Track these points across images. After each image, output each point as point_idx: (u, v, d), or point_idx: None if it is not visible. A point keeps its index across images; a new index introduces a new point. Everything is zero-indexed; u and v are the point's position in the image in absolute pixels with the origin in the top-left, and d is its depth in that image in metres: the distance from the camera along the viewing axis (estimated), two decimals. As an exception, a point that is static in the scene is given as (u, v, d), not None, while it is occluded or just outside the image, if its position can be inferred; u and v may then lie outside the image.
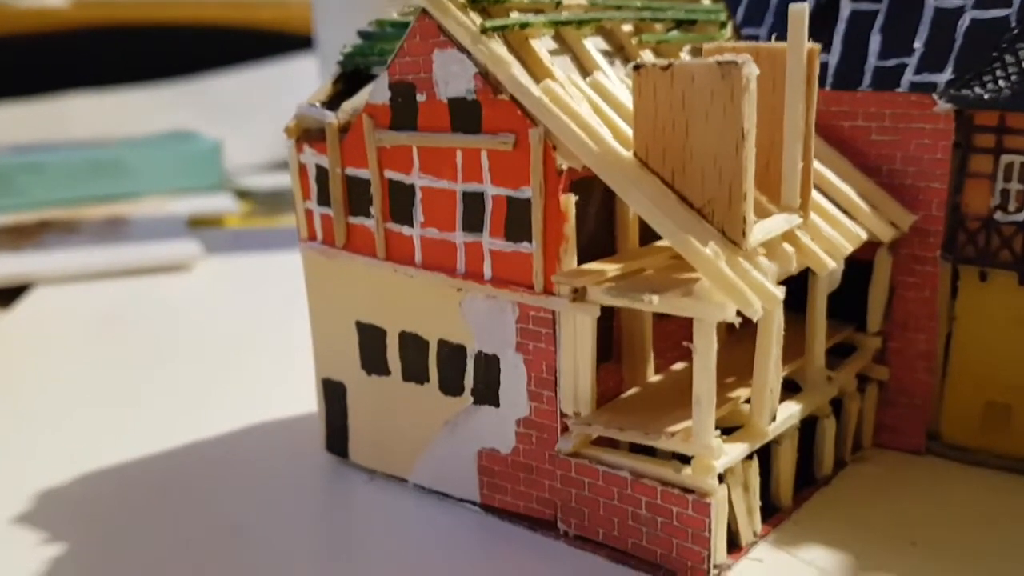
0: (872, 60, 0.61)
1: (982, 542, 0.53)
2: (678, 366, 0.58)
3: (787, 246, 0.51)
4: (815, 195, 0.56)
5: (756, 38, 0.65)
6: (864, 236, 0.57)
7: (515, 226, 0.52)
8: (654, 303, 0.46)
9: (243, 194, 1.67)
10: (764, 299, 0.47)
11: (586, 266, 0.51)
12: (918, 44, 0.59)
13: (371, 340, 0.60)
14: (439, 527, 0.56)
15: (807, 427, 0.59)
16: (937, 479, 0.59)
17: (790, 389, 0.57)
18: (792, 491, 0.56)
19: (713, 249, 0.46)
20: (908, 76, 0.59)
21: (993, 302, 0.59)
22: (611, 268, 0.51)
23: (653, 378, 0.56)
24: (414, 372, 0.58)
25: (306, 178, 0.60)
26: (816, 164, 0.59)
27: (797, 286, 0.58)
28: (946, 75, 0.58)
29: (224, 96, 2.25)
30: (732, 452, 0.50)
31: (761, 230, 0.49)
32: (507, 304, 0.53)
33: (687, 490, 0.49)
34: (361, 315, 0.60)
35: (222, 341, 0.91)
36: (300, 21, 2.00)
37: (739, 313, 0.45)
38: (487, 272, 0.53)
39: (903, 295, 0.61)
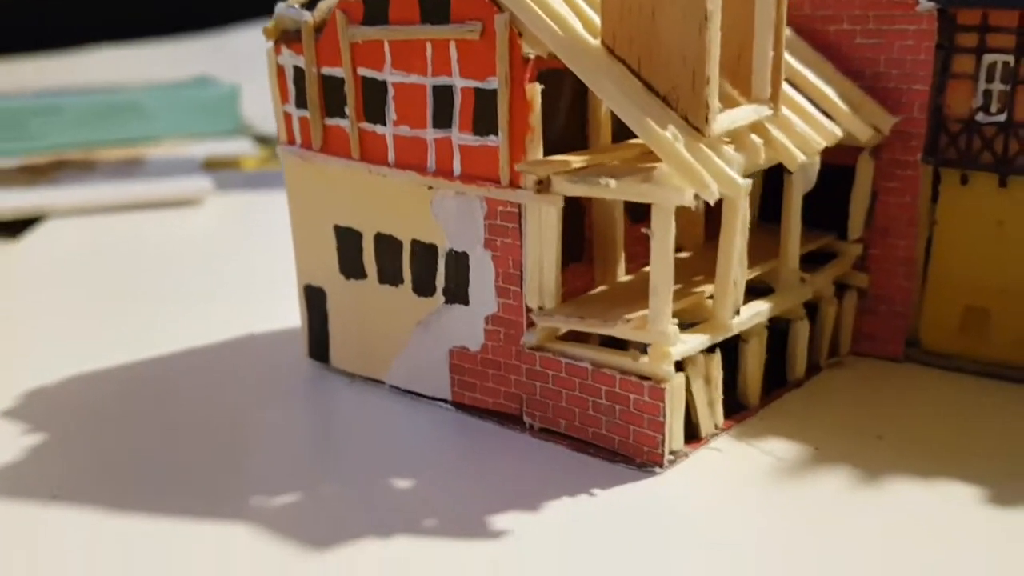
0: (855, -39, 0.60)
1: (949, 439, 0.53)
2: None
3: (756, 138, 0.51)
4: (791, 93, 0.56)
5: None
6: (839, 134, 0.56)
7: (482, 119, 0.52)
8: (611, 186, 0.46)
9: (262, 140, 1.68)
10: (724, 185, 0.47)
11: (552, 157, 0.51)
12: (901, -57, 0.59)
13: (348, 244, 0.60)
14: (412, 426, 0.56)
15: (782, 330, 0.58)
16: (911, 383, 0.59)
17: (764, 292, 0.57)
18: (760, 390, 0.56)
19: (672, 132, 0.46)
20: (890, -25, 0.58)
21: (974, 205, 0.59)
22: (577, 160, 0.51)
23: (624, 278, 0.56)
24: (389, 274, 0.59)
25: (284, 81, 0.60)
26: (797, 65, 0.59)
27: (777, 196, 0.58)
28: (928, -27, 0.57)
29: (245, 48, 2.25)
30: (691, 342, 0.50)
31: (727, 119, 0.49)
32: (475, 200, 0.53)
33: (644, 377, 0.49)
34: (338, 218, 0.60)
35: (226, 268, 0.91)
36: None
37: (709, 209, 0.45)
38: (456, 168, 0.54)
39: (885, 200, 0.61)
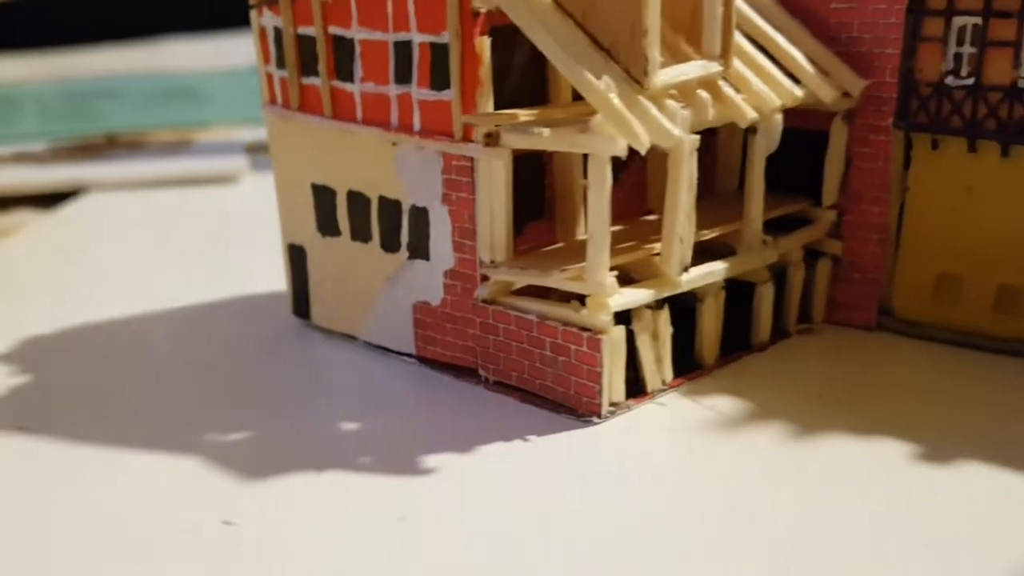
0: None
1: (900, 404, 0.52)
2: (614, 227, 0.58)
3: (704, 94, 0.51)
4: (753, 52, 0.56)
5: None
6: (799, 94, 0.56)
7: (438, 74, 0.53)
8: (544, 135, 0.47)
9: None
10: (660, 137, 0.47)
11: (499, 111, 0.52)
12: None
13: (324, 201, 0.62)
14: (372, 378, 0.58)
15: (748, 293, 0.59)
16: (877, 350, 0.59)
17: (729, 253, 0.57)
18: (718, 350, 0.56)
19: (606, 83, 0.46)
20: (862, -63, 0.58)
21: (944, 170, 0.58)
22: (527, 114, 0.51)
23: (583, 236, 0.57)
24: (360, 231, 0.60)
25: (266, 42, 0.62)
26: (767, 27, 0.59)
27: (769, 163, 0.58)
28: (899, -66, 0.57)
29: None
30: (630, 296, 0.50)
31: (671, 73, 0.49)
32: (433, 155, 0.54)
33: (584, 329, 0.50)
34: (315, 176, 0.62)
35: (253, 237, 0.94)
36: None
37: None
38: (416, 123, 0.55)
39: (858, 166, 0.60)
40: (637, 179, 0.60)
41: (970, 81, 0.56)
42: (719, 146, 0.64)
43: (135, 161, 1.31)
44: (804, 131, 0.61)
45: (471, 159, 0.53)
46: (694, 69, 0.50)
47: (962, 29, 0.56)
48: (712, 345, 0.56)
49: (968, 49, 0.56)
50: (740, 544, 0.41)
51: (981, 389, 0.53)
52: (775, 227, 0.61)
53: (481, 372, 0.55)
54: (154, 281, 0.79)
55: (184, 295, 0.74)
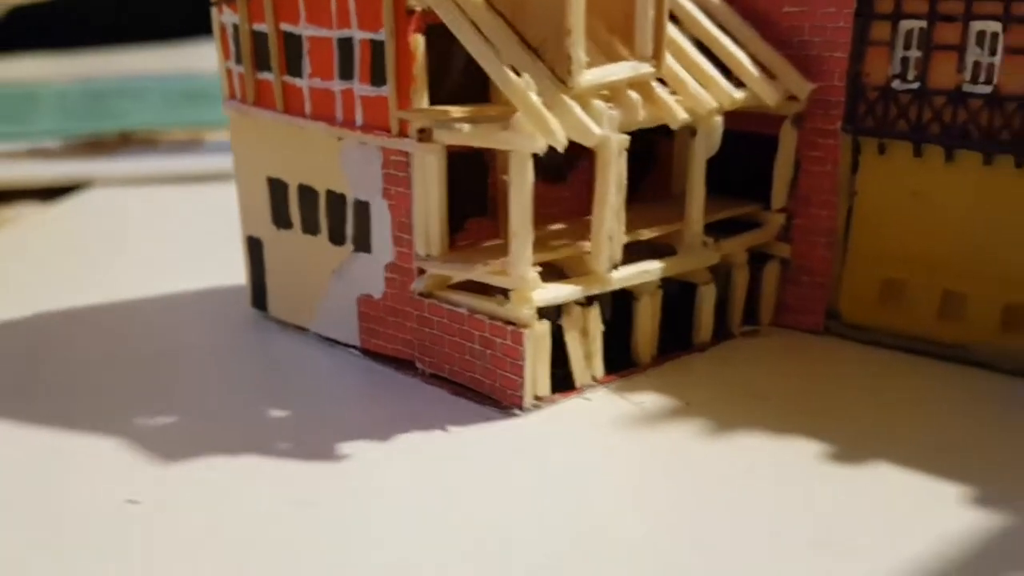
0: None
1: (829, 404, 0.52)
2: (557, 226, 0.59)
3: (635, 95, 0.51)
4: (694, 54, 0.56)
5: None
6: (739, 96, 0.56)
7: (377, 70, 0.54)
8: (464, 131, 0.48)
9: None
10: (581, 136, 0.48)
11: (432, 107, 0.52)
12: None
13: (278, 194, 0.63)
14: (315, 369, 0.58)
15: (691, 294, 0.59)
16: (818, 353, 0.58)
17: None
18: (653, 349, 0.57)
19: (526, 81, 0.47)
20: (811, -59, 0.58)
21: (891, 175, 0.58)
22: (461, 111, 0.52)
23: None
24: (310, 224, 0.61)
25: (226, 38, 0.63)
26: (713, 30, 0.59)
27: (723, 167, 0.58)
28: (846, -62, 0.57)
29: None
30: (558, 292, 0.51)
31: (598, 73, 0.50)
32: (374, 150, 0.55)
33: (508, 322, 0.50)
34: (270, 170, 0.63)
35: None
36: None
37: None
38: (359, 119, 0.56)
39: (807, 170, 0.60)
40: (587, 178, 0.60)
41: (915, 85, 0.56)
42: (675, 148, 0.64)
43: (144, 158, 1.33)
44: (757, 135, 0.61)
45: (407, 154, 0.53)
46: (623, 70, 0.51)
47: (909, 33, 0.56)
48: (648, 343, 0.56)
49: (914, 53, 0.56)
50: (636, 537, 0.41)
51: (917, 394, 0.53)
52: (725, 229, 0.61)
53: (418, 364, 0.56)
54: (136, 271, 0.80)
55: (155, 285, 0.76)
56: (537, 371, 0.51)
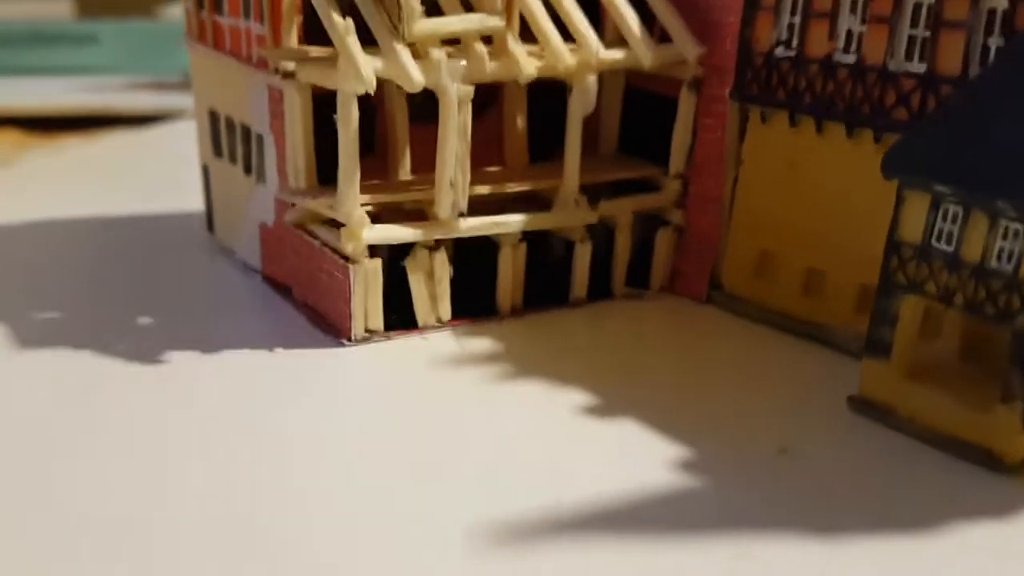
0: None
1: (653, 368, 0.52)
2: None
3: (481, 47, 0.52)
4: (572, 12, 0.56)
5: None
6: (608, 57, 0.56)
7: (263, 9, 0.57)
8: (289, 68, 0.50)
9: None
10: (403, 81, 0.49)
11: (294, 47, 0.55)
12: None
13: (215, 126, 0.67)
14: (219, 291, 0.62)
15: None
16: (681, 319, 0.58)
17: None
18: (515, 300, 0.58)
19: (345, 25, 0.49)
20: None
21: (772, 144, 0.56)
22: (321, 51, 0.55)
23: (407, 176, 0.59)
24: (232, 154, 0.66)
25: (183, -22, 0.68)
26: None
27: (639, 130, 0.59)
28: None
29: None
30: (390, 232, 0.53)
31: (431, 23, 0.51)
32: (264, 85, 0.59)
33: (344, 257, 0.53)
34: (210, 102, 0.68)
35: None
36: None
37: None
38: (254, 56, 0.59)
39: (702, 137, 0.60)
40: (493, 127, 0.62)
41: (794, 53, 0.54)
42: (601, 109, 0.64)
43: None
44: (664, 96, 0.61)
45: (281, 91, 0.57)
46: (464, 22, 0.52)
47: (794, -1, 0.54)
48: (509, 294, 0.57)
49: (797, 19, 0.54)
50: (418, 469, 0.42)
51: (755, 368, 0.52)
52: (633, 191, 0.61)
53: (293, 292, 0.60)
54: (169, 192, 0.85)
55: (175, 205, 0.81)
56: (369, 306, 0.53)
